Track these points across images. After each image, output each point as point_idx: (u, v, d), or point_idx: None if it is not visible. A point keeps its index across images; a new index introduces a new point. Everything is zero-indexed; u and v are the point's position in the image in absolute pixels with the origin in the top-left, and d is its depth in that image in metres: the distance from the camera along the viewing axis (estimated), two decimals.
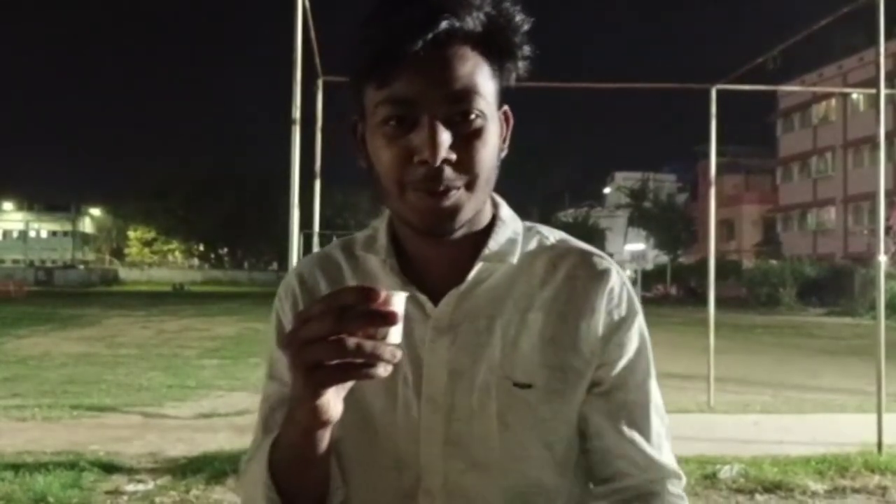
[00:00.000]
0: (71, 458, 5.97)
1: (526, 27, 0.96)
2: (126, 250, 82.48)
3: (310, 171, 8.33)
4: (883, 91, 6.34)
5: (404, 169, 0.92)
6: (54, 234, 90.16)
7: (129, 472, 5.72)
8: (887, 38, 6.50)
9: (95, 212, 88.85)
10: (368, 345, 0.74)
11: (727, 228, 54.48)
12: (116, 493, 5.26)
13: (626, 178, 71.11)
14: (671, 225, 60.03)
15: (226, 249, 78.34)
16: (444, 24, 0.89)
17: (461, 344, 1.01)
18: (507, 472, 1.00)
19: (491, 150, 0.95)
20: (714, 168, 9.51)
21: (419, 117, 0.90)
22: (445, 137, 0.90)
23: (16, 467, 5.63)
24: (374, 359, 0.75)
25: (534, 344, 1.01)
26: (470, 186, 0.94)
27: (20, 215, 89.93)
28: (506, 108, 1.02)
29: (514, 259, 1.04)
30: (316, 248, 7.78)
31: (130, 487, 5.35)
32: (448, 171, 0.91)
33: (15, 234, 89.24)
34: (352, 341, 0.74)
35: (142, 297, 38.16)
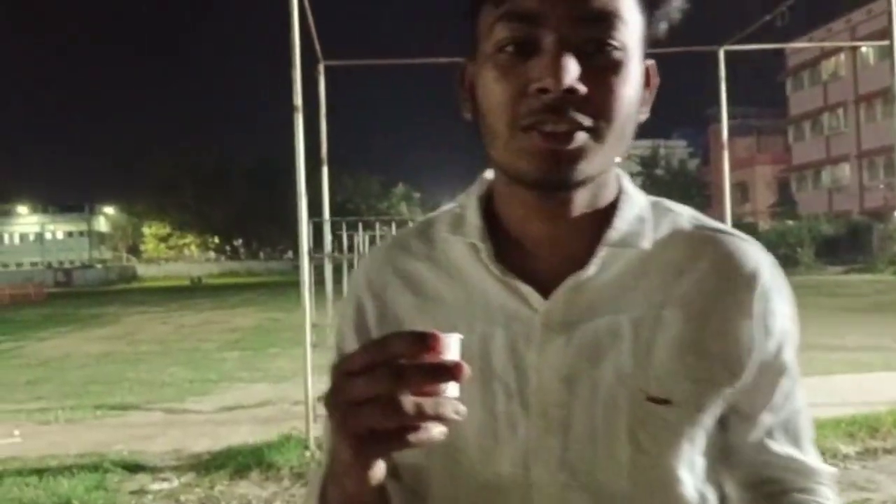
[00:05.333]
0: (95, 459, 5.97)
1: None
2: (142, 247, 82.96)
3: (316, 157, 8.26)
4: None
5: (518, 103, 0.74)
6: (70, 234, 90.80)
7: (154, 470, 5.71)
8: None
9: (109, 210, 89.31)
10: (429, 405, 0.60)
11: (741, 191, 54.06)
12: (141, 492, 5.26)
13: (636, 147, 70.46)
14: (685, 191, 59.64)
15: (241, 240, 78.58)
16: None
17: (579, 345, 0.81)
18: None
19: (630, 93, 0.77)
20: (726, 131, 9.36)
21: (542, 40, 0.73)
22: (572, 62, 0.72)
23: (40, 472, 5.63)
24: (435, 420, 0.60)
25: (672, 349, 0.81)
26: (599, 133, 0.75)
27: (35, 218, 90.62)
28: (652, 62, 0.83)
29: (647, 243, 0.84)
30: (327, 236, 7.73)
31: (155, 486, 5.35)
32: (573, 106, 0.73)
33: (31, 237, 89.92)
34: (409, 402, 0.59)
35: (160, 292, 38.34)
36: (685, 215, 0.89)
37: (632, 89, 0.77)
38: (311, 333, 5.99)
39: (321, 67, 8.43)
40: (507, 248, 0.84)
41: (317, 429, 5.64)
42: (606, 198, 0.85)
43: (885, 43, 6.57)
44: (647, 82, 0.83)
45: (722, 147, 9.62)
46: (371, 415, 0.60)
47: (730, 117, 9.15)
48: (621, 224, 0.83)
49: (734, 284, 0.83)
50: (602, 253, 0.82)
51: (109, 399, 8.90)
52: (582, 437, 0.80)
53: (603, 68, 0.74)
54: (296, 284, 6.03)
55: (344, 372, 0.62)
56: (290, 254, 69.07)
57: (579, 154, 0.75)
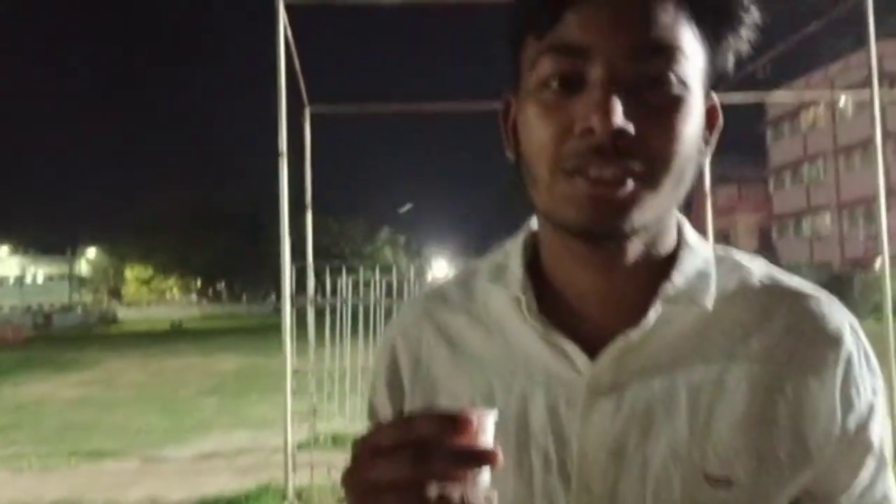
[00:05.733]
0: None
1: None
2: (123, 290, 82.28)
3: (301, 201, 8.24)
4: (877, 92, 6.27)
5: (562, 145, 0.68)
6: (51, 278, 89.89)
7: None
8: (875, 39, 6.45)
9: (91, 253, 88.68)
10: (456, 494, 0.54)
11: (723, 239, 54.37)
12: None
13: None
14: None
15: (223, 284, 78.15)
16: None
17: (629, 413, 0.72)
18: None
19: (690, 134, 0.69)
20: (709, 179, 9.44)
21: (590, 75, 0.67)
22: (622, 100, 0.65)
23: None
24: None
25: (736, 421, 0.71)
26: (653, 177, 0.68)
27: (15, 260, 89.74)
28: (716, 98, 0.76)
29: (709, 301, 0.74)
30: (311, 280, 7.67)
31: None
32: (623, 150, 0.66)
33: (11, 280, 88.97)
34: (434, 490, 0.54)
35: (140, 336, 37.89)
36: (756, 270, 0.80)
37: (691, 130, 0.70)
38: (291, 380, 5.90)
39: (307, 113, 8.47)
40: (552, 302, 0.77)
41: (296, 479, 5.52)
42: (665, 249, 0.77)
43: (865, 94, 6.68)
44: (709, 123, 0.76)
45: (705, 196, 9.69)
46: (391, 500, 0.55)
47: (712, 166, 9.25)
48: (680, 278, 0.75)
49: (810, 349, 0.74)
50: (657, 310, 0.73)
51: (85, 445, 8.74)
52: None
53: (659, 107, 0.67)
54: (278, 329, 5.96)
55: (367, 449, 0.57)
56: (272, 298, 68.76)
57: (631, 202, 0.68)
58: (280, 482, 5.90)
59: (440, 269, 23.27)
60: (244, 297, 75.88)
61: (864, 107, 6.47)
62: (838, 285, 32.83)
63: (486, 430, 0.56)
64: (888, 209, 6.33)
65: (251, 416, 10.42)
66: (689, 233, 0.80)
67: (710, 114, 0.76)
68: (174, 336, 36.88)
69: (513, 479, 0.75)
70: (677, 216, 0.79)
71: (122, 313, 65.57)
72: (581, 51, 0.67)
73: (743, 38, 0.72)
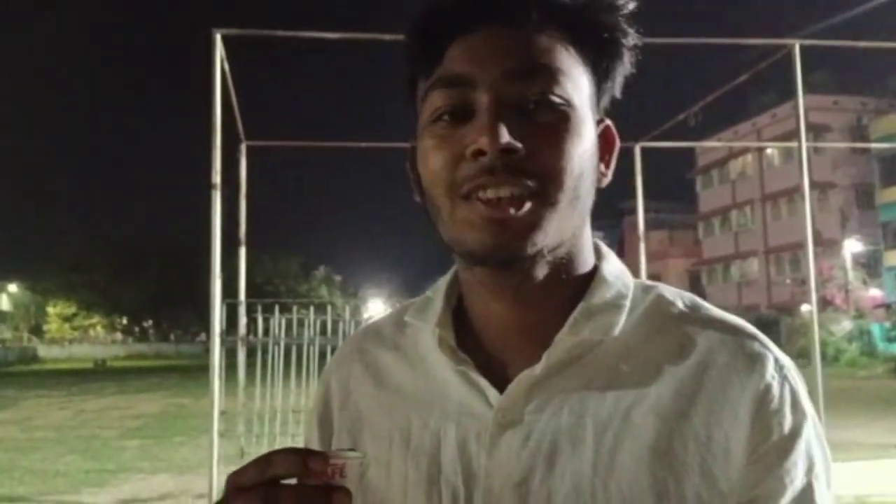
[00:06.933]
0: None
1: (631, 6, 0.73)
2: (45, 327, 79.52)
3: (234, 238, 8.09)
4: (804, 144, 6.47)
5: (456, 170, 0.69)
6: None
7: None
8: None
9: (13, 288, 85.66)
10: None
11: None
12: None
13: None
14: None
15: (150, 322, 76.26)
16: None
17: (535, 446, 0.71)
18: None
19: (584, 150, 0.70)
20: (642, 223, 9.59)
21: (476, 102, 0.68)
22: (508, 120, 0.67)
23: None
24: None
25: (640, 457, 0.68)
26: (548, 196, 0.68)
27: None
28: (608, 122, 0.78)
29: (616, 331, 0.73)
30: (242, 318, 7.49)
31: None
32: (514, 168, 0.67)
33: None
34: None
35: (62, 375, 36.56)
36: (679, 304, 0.78)
37: (581, 147, 0.70)
38: (218, 421, 5.69)
39: (243, 147, 8.35)
40: (471, 336, 0.77)
41: None
42: (577, 276, 0.76)
43: (794, 144, 6.90)
44: (606, 144, 0.77)
45: (638, 239, 9.85)
46: None
47: (644, 211, 9.43)
48: (588, 309, 0.73)
49: (723, 380, 0.70)
50: (562, 340, 0.72)
51: None
52: None
53: (544, 125, 0.69)
54: (206, 368, 5.77)
55: (231, 485, 0.59)
56: (202, 336, 67.36)
57: (530, 222, 0.68)
58: None
59: (376, 308, 23.14)
60: (172, 336, 74.18)
61: (791, 156, 6.67)
62: (765, 329, 33.74)
63: (346, 473, 0.58)
64: (814, 256, 6.49)
65: (175, 459, 10.09)
66: (609, 263, 0.79)
67: (607, 135, 0.77)
68: (97, 375, 35.77)
69: None
70: (599, 246, 0.80)
71: (44, 351, 63.36)
72: (466, 81, 0.69)
73: (625, 63, 0.75)
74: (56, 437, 13.11)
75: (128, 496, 7.94)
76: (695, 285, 54.43)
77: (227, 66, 6.15)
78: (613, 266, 0.79)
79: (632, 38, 0.74)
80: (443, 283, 0.83)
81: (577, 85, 0.71)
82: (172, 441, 11.90)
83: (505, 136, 0.66)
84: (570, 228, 0.72)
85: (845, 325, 28.68)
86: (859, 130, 40.47)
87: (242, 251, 8.30)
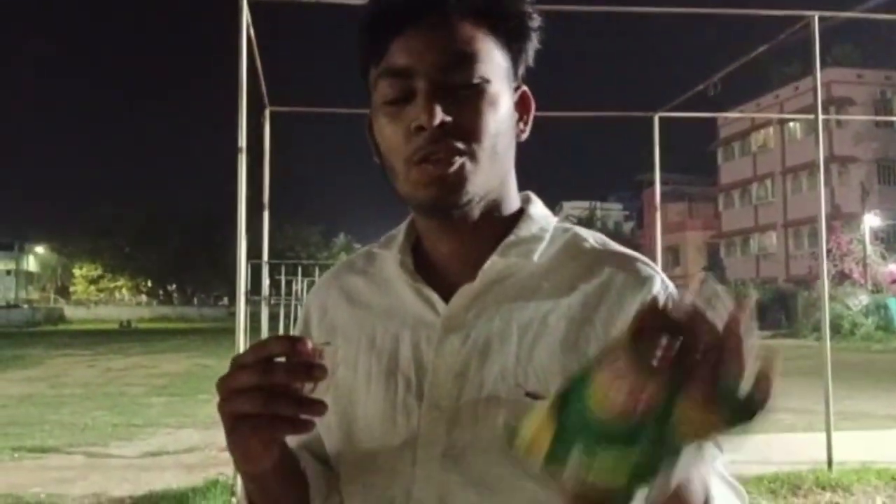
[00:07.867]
0: (10, 501, 5.76)
1: None
2: (72, 288, 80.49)
3: (258, 203, 8.26)
4: (821, 116, 6.53)
5: (408, 143, 0.88)
6: None
7: None
8: (822, 66, 6.71)
9: (40, 250, 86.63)
10: (293, 399, 0.73)
11: (672, 255, 55.30)
12: None
13: (573, 208, 71.99)
14: None
15: (174, 285, 76.95)
16: None
17: (472, 345, 0.91)
18: (512, 492, 0.87)
19: (499, 116, 0.91)
20: (659, 193, 9.68)
21: (416, 87, 0.88)
22: (440, 101, 0.87)
23: None
24: (299, 413, 0.74)
25: (553, 351, 0.89)
26: (473, 154, 0.89)
27: None
28: (525, 88, 0.98)
29: (536, 256, 0.95)
30: (265, 279, 7.70)
31: None
32: (449, 137, 0.87)
33: None
34: (274, 395, 0.73)
35: (88, 335, 37.17)
36: (591, 240, 0.99)
37: (498, 113, 0.90)
38: None
39: (267, 113, 8.50)
40: (424, 264, 0.99)
41: None
42: (505, 211, 0.98)
43: (811, 117, 6.94)
44: (524, 107, 0.98)
45: (655, 209, 9.93)
46: (242, 401, 0.74)
47: (663, 183, 9.49)
48: (514, 238, 0.95)
49: (619, 294, 0.92)
50: (493, 262, 0.93)
51: (28, 441, 8.61)
52: (465, 427, 0.89)
53: (468, 99, 0.88)
54: (229, 331, 5.97)
55: (235, 364, 0.75)
56: (224, 300, 67.92)
57: (460, 177, 0.88)
58: (228, 478, 5.91)
59: None
60: (195, 299, 74.87)
61: (813, 129, 6.72)
62: (782, 302, 33.60)
63: (324, 357, 0.74)
64: (831, 230, 6.58)
65: (200, 415, 10.32)
66: (535, 208, 1.01)
67: (524, 98, 0.98)
68: (123, 336, 36.30)
69: (382, 399, 0.94)
70: (529, 195, 1.02)
71: (70, 312, 64.20)
72: (407, 72, 0.88)
73: (534, 41, 0.95)
74: (84, 393, 13.46)
75: (155, 449, 8.20)
76: (713, 257, 54.17)
77: (252, 32, 6.27)
78: (538, 209, 1.01)
79: (536, 21, 0.93)
80: (404, 225, 1.03)
81: (494, 64, 0.91)
82: (197, 398, 12.13)
83: (439, 114, 0.85)
84: (496, 178, 0.94)
85: (862, 299, 28.49)
86: (883, 104, 40.00)
87: (266, 214, 8.49)
